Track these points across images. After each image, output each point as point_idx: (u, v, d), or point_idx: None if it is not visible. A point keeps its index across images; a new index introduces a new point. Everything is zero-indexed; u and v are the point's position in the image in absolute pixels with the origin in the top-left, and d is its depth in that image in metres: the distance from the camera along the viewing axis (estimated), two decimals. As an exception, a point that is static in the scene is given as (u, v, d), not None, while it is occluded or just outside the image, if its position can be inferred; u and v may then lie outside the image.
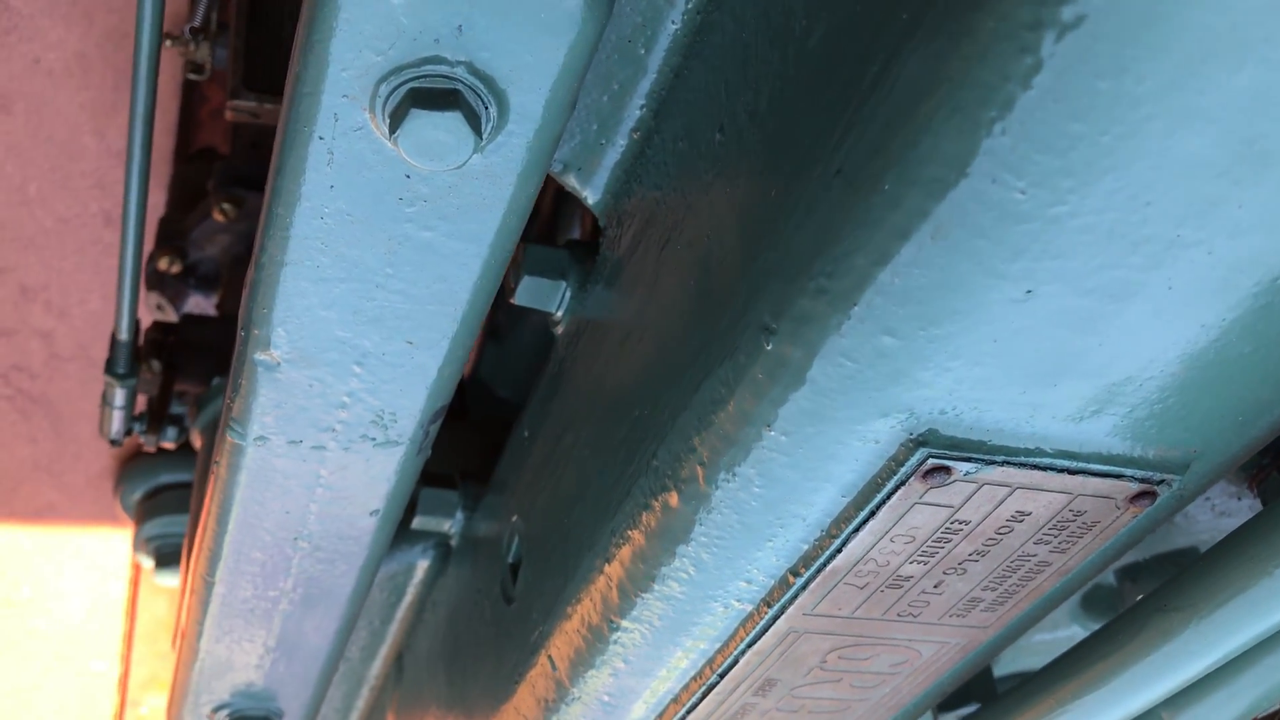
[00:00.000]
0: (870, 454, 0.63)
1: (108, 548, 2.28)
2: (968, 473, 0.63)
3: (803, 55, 0.60)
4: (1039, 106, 0.47)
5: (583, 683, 0.87)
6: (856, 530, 0.68)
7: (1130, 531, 0.72)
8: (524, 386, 1.11)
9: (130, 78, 0.99)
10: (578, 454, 0.88)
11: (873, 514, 0.66)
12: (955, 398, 0.60)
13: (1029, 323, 0.55)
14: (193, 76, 1.51)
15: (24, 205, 1.74)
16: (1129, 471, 0.66)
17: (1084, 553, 0.72)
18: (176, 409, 1.57)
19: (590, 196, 0.86)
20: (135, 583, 2.41)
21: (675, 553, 0.73)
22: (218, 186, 1.58)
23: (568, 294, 0.92)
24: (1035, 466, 0.64)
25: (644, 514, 0.75)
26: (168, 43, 1.55)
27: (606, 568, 0.80)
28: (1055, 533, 0.70)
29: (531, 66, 0.62)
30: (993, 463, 0.63)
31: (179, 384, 1.52)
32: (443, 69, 0.62)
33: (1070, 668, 0.79)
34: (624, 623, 0.80)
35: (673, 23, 0.74)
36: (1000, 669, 1.17)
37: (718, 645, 0.79)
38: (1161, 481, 0.66)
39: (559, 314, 0.93)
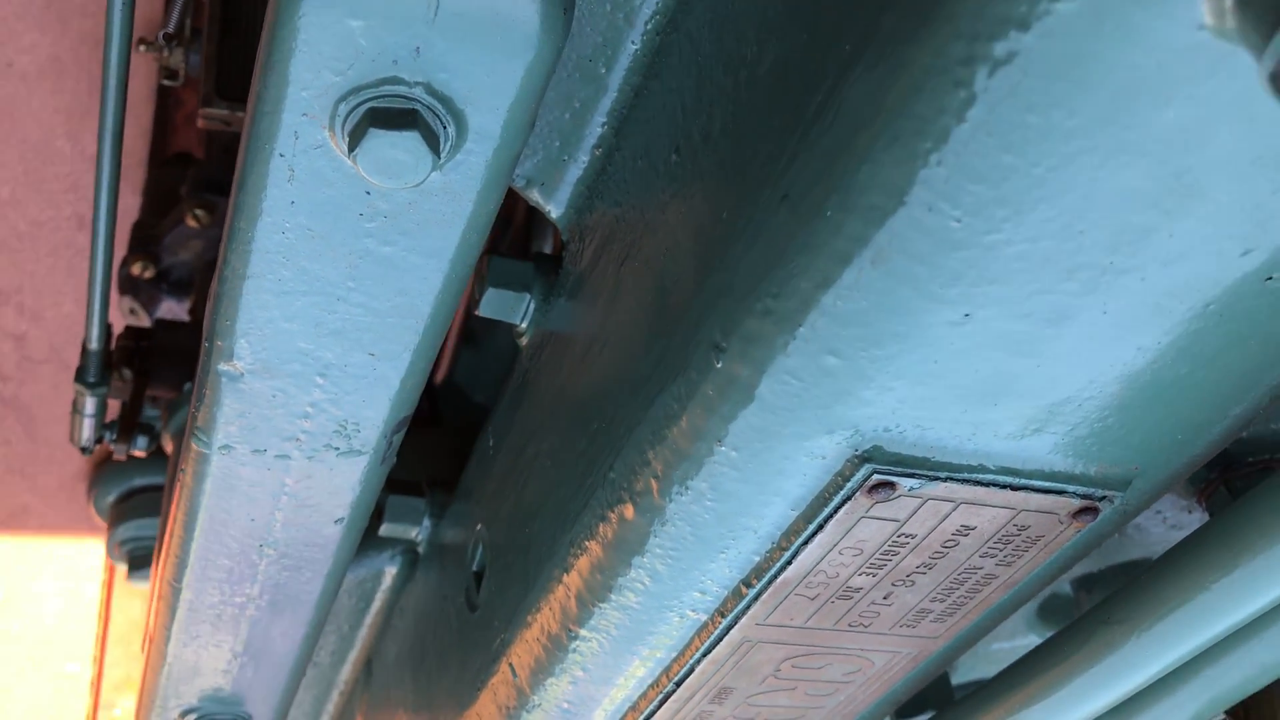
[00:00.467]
0: (818, 469, 0.65)
1: (81, 550, 2.28)
2: (912, 488, 0.65)
3: (753, 80, 0.62)
4: (973, 139, 0.48)
5: (543, 690, 0.88)
6: (806, 543, 0.69)
7: (1075, 545, 0.74)
8: (498, 391, 1.12)
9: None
10: (539, 465, 0.89)
11: (821, 527, 0.68)
12: (899, 416, 0.61)
13: (968, 345, 0.57)
14: (167, 82, 1.51)
15: (-2, 208, 1.75)
16: (1071, 488, 0.67)
17: (1030, 566, 0.74)
18: (149, 413, 1.57)
19: (554, 211, 0.87)
20: (109, 585, 2.40)
21: (631, 564, 0.74)
22: (190, 192, 1.58)
23: (532, 306, 0.93)
24: (978, 483, 0.65)
25: (601, 525, 0.76)
26: (142, 48, 1.55)
27: (565, 577, 0.81)
28: (1001, 546, 0.71)
29: (489, 87, 0.63)
30: (936, 479, 0.65)
31: (151, 389, 1.52)
32: (401, 89, 0.63)
33: (1019, 677, 0.81)
34: (582, 632, 0.81)
35: (632, 43, 0.76)
36: (959, 677, 1.19)
37: (674, 654, 0.81)
38: (1104, 498, 0.68)
39: (523, 326, 0.94)
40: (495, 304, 0.93)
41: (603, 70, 0.77)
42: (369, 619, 1.35)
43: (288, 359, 0.80)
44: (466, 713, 1.02)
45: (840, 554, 0.70)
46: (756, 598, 0.74)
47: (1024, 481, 0.66)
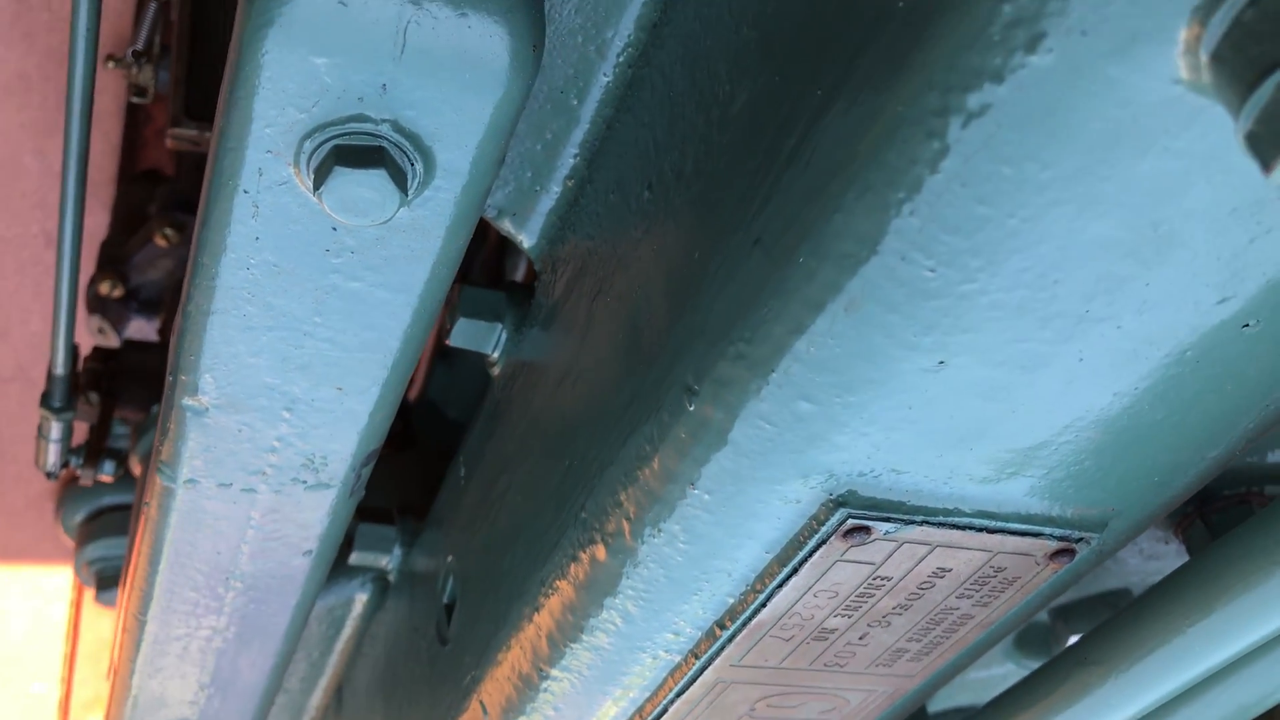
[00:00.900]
0: (792, 513, 0.64)
1: (48, 570, 2.25)
2: (888, 532, 0.64)
3: (725, 120, 0.61)
4: (946, 189, 0.47)
5: (514, 728, 0.87)
6: (780, 585, 0.68)
7: (1052, 585, 0.73)
8: (474, 408, 1.11)
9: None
10: (511, 498, 0.88)
11: (796, 570, 0.67)
12: (873, 461, 0.60)
13: (942, 391, 0.56)
14: (136, 99, 1.49)
15: (-37, 224, 1.72)
16: (1048, 530, 0.66)
17: (1006, 606, 0.73)
18: (118, 432, 1.55)
19: (526, 241, 0.86)
20: (78, 604, 2.37)
21: (603, 605, 0.73)
22: (160, 211, 1.56)
23: (504, 336, 0.92)
24: (954, 526, 0.65)
25: (572, 565, 0.75)
26: (111, 64, 1.53)
27: (536, 617, 0.79)
28: (977, 588, 0.70)
29: (457, 125, 0.62)
30: (912, 522, 0.64)
31: (119, 410, 1.50)
32: (367, 126, 0.62)
33: (997, 717, 0.80)
34: (554, 671, 0.79)
35: (604, 75, 0.75)
36: (935, 705, 1.18)
37: (647, 694, 0.80)
38: (1080, 540, 0.67)
39: (495, 355, 0.93)
40: (467, 334, 0.91)
41: (575, 102, 0.76)
42: (339, 646, 1.33)
43: (254, 394, 0.79)
44: (437, 747, 1.00)
45: (815, 596, 0.69)
46: (731, 639, 0.73)
47: (1000, 524, 0.65)
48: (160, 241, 1.56)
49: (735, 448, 0.61)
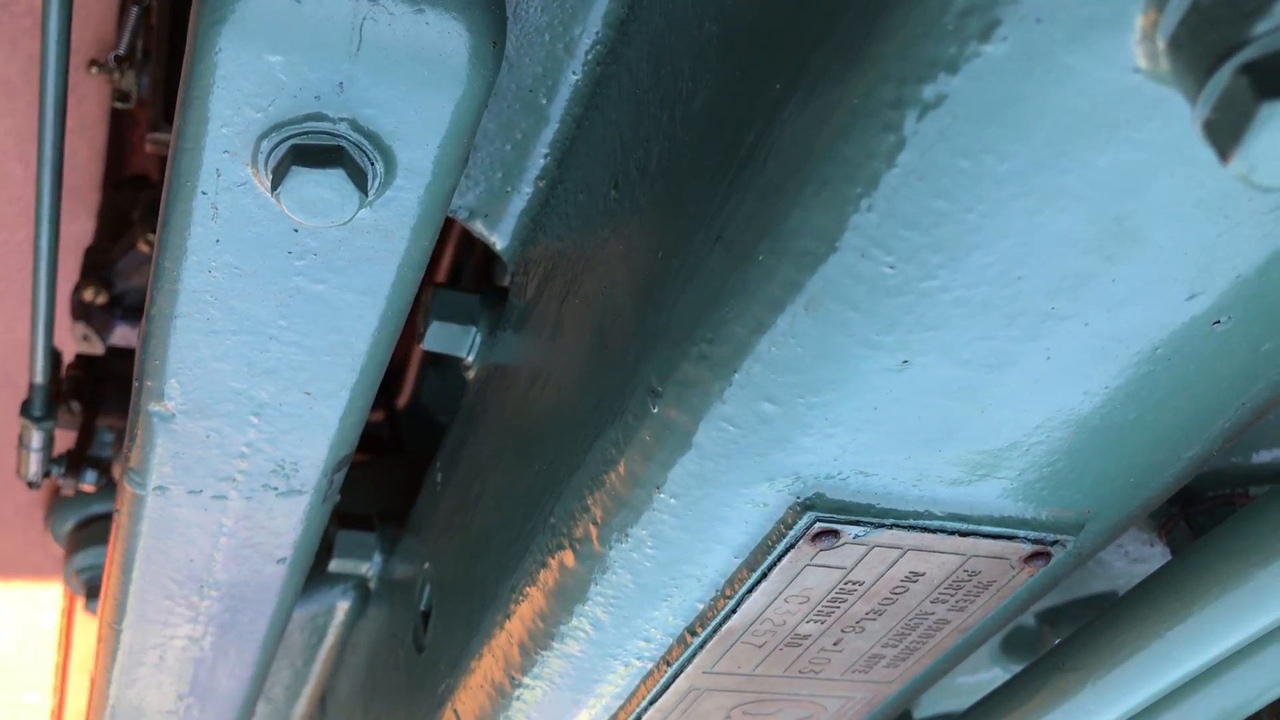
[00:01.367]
0: (759, 517, 0.63)
1: (39, 579, 2.23)
2: (857, 535, 0.63)
3: (688, 117, 0.60)
4: (904, 184, 0.46)
5: (489, 737, 0.85)
6: (750, 591, 0.67)
7: (1030, 588, 0.72)
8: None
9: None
10: (484, 504, 0.87)
11: (765, 575, 0.65)
12: (840, 463, 0.59)
13: (908, 391, 0.55)
14: (119, 105, 1.48)
15: (-51, 231, 1.71)
16: (1022, 533, 0.65)
17: (983, 610, 0.72)
18: (104, 438, 1.54)
19: (499, 243, 0.85)
20: (69, 613, 2.36)
21: (573, 611, 0.72)
22: (143, 217, 1.55)
23: (478, 339, 0.91)
24: (925, 529, 0.63)
25: (542, 571, 0.73)
26: (94, 69, 1.52)
27: (508, 624, 0.78)
28: (951, 592, 0.69)
29: (418, 123, 0.61)
30: (882, 525, 0.63)
31: (103, 417, 1.49)
32: (325, 125, 0.60)
33: (975, 723, 0.79)
34: (526, 679, 0.78)
35: (573, 73, 0.74)
36: (922, 711, 1.17)
37: (620, 702, 0.78)
38: (1056, 542, 0.66)
39: (470, 359, 0.92)
40: (440, 337, 0.90)
41: (543, 101, 0.75)
42: (322, 654, 1.32)
43: (220, 399, 0.78)
44: (415, 756, 0.99)
45: (786, 601, 0.68)
46: (702, 646, 0.71)
47: (972, 527, 0.64)
48: (144, 248, 1.55)
49: (699, 450, 0.60)
